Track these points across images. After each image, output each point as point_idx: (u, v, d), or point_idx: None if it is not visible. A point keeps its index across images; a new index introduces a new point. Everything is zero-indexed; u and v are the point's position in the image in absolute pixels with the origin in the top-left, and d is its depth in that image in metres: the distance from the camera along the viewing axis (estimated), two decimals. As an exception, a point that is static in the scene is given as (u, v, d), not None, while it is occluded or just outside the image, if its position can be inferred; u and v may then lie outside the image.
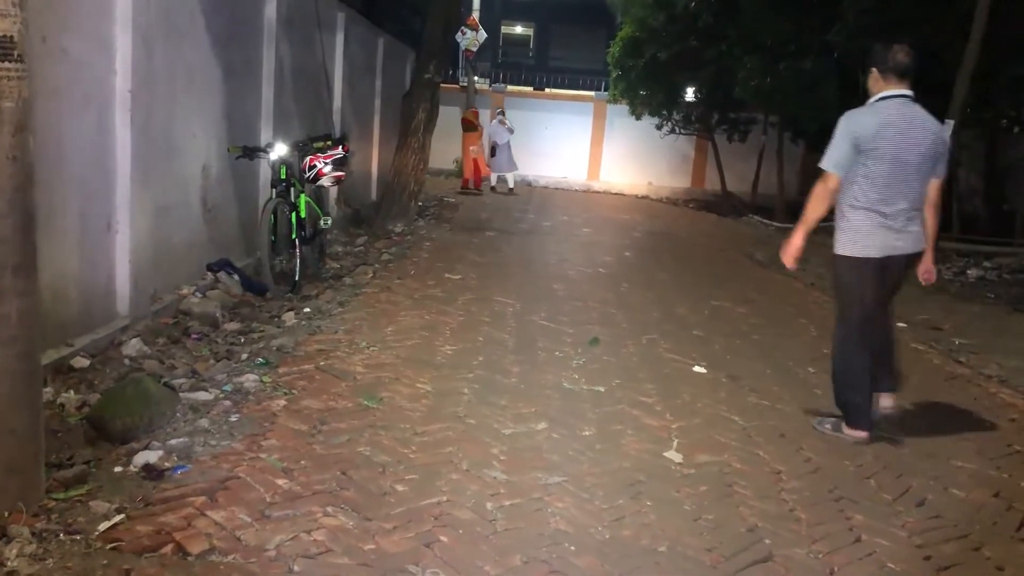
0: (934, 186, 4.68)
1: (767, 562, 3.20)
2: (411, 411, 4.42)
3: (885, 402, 4.82)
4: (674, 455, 4.19)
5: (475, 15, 21.14)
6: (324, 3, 9.42)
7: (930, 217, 4.69)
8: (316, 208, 7.59)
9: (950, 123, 11.44)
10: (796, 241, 4.89)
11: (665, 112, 19.43)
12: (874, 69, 4.65)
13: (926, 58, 12.95)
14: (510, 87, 24.35)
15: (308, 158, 7.22)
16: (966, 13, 11.44)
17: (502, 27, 34.22)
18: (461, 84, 21.64)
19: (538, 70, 30.40)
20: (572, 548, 3.18)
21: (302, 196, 7.12)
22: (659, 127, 19.76)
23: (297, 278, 6.97)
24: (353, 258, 8.81)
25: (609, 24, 20.77)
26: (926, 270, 4.78)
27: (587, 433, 4.38)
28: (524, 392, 4.92)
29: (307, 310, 6.35)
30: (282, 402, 4.35)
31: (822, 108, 14.95)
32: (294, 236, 6.95)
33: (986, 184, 16.56)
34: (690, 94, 19.45)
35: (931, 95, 12.86)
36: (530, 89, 25.30)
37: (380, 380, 4.85)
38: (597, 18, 25.31)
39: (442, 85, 12.60)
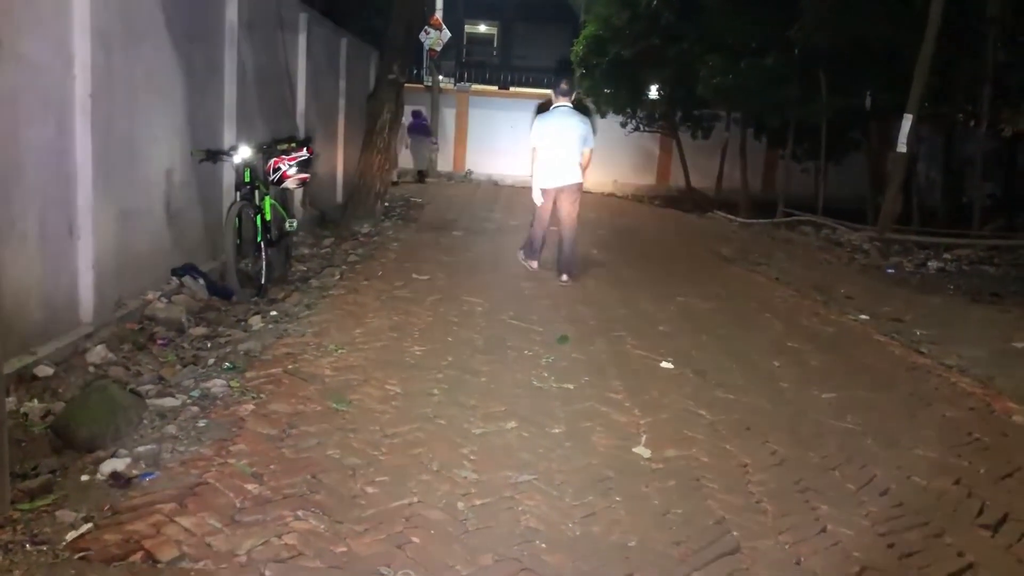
0: (584, 154, 8.45)
1: (735, 554, 3.25)
2: (380, 413, 4.42)
3: (563, 278, 8.48)
4: (643, 450, 4.23)
5: (439, 14, 21.14)
6: (286, 4, 9.37)
7: (583, 168, 8.50)
8: (281, 210, 7.54)
9: (909, 118, 11.69)
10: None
11: (629, 110, 19.54)
12: (552, 91, 8.69)
13: (885, 55, 13.24)
14: (475, 86, 24.35)
15: (272, 160, 7.17)
16: (922, 10, 11.64)
17: (466, 26, 34.14)
18: (426, 84, 21.60)
19: (503, 69, 30.37)
20: (543, 545, 3.20)
21: (267, 199, 7.07)
22: (624, 125, 19.88)
23: (263, 281, 6.93)
24: (320, 260, 8.77)
25: (573, 22, 20.84)
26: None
27: (557, 431, 4.41)
28: (494, 391, 4.94)
29: (274, 313, 6.32)
30: (250, 406, 4.33)
31: (784, 104, 15.17)
32: (259, 239, 6.91)
33: (944, 177, 16.85)
34: (654, 92, 19.57)
35: (891, 91, 13.20)
36: (495, 88, 25.32)
37: (349, 382, 4.85)
38: (561, 17, 25.39)
39: (407, 85, 12.59)
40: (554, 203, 8.55)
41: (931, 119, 15.57)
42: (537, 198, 8.55)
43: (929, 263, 11.69)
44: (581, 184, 8.55)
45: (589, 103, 18.92)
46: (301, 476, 3.59)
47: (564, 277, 8.50)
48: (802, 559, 3.25)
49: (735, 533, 3.41)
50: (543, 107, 8.89)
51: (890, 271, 11.09)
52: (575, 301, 7.70)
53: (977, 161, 14.76)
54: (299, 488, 3.48)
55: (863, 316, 7.93)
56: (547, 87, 24.00)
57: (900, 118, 12.26)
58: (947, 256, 12.15)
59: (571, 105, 8.58)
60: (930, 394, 5.63)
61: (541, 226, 8.71)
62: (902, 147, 12.06)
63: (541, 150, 8.42)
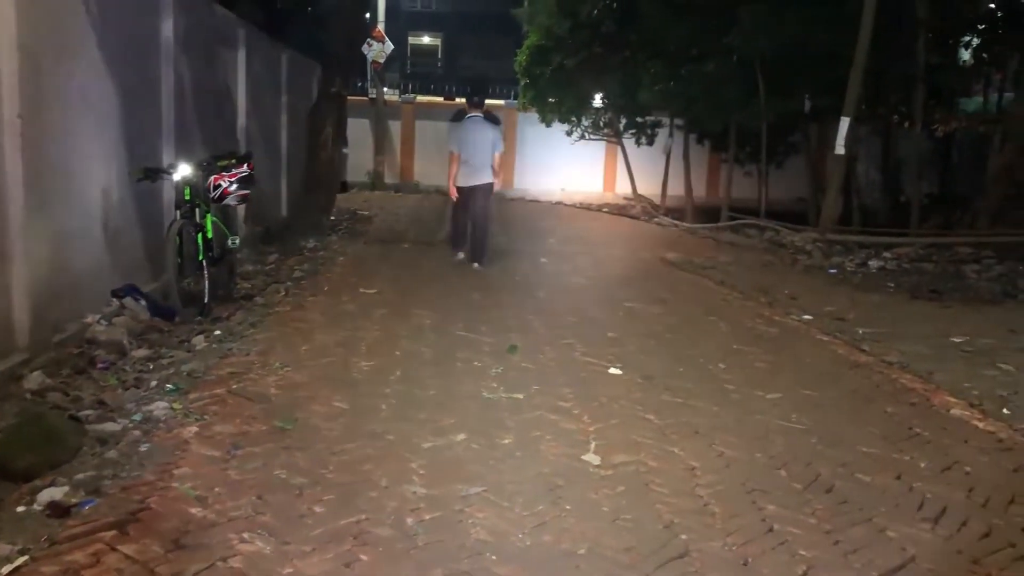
0: (495, 157, 9.56)
1: (683, 557, 3.27)
2: (327, 430, 4.38)
3: (475, 266, 9.64)
4: (592, 457, 4.25)
5: (381, 27, 21.10)
6: (223, 20, 9.26)
7: (495, 166, 9.58)
8: (223, 228, 7.43)
9: (846, 120, 11.95)
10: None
11: (574, 118, 19.66)
12: (466, 102, 9.91)
13: (822, 59, 13.49)
14: (419, 97, 24.31)
15: (212, 177, 7.07)
16: (855, 15, 11.91)
17: (409, 38, 34.18)
18: (370, 96, 21.51)
19: (447, 80, 30.42)
20: (493, 557, 3.20)
21: (208, 216, 6.97)
22: (569, 133, 20.00)
23: (207, 300, 6.82)
24: (265, 277, 8.67)
25: (516, 32, 20.93)
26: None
27: (506, 441, 4.41)
28: (443, 404, 4.93)
29: (218, 332, 6.22)
30: (194, 428, 4.25)
31: (724, 109, 15.40)
32: (201, 257, 6.80)
33: (883, 177, 17.25)
34: (598, 100, 19.73)
35: (828, 94, 13.47)
36: (440, 99, 25.30)
37: (295, 400, 4.79)
38: (504, 27, 25.49)
39: (351, 97, 12.53)
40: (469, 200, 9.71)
41: (868, 121, 15.95)
42: (453, 195, 9.83)
43: (870, 262, 11.93)
44: (492, 184, 9.72)
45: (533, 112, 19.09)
46: (247, 498, 3.54)
47: (476, 265, 9.72)
48: (749, 560, 3.29)
49: (684, 536, 3.44)
50: (457, 116, 10.26)
51: (832, 271, 11.30)
52: (525, 311, 7.72)
53: (913, 161, 15.13)
54: (245, 510, 3.42)
55: (806, 316, 8.07)
56: (492, 97, 24.22)
57: (838, 120, 12.53)
58: (887, 255, 12.42)
59: (482, 115, 9.76)
60: (872, 391, 5.74)
61: (458, 222, 10.03)
62: (840, 149, 12.32)
63: (459, 153, 9.59)
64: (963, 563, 3.38)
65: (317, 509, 3.49)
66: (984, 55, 15.86)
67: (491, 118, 9.95)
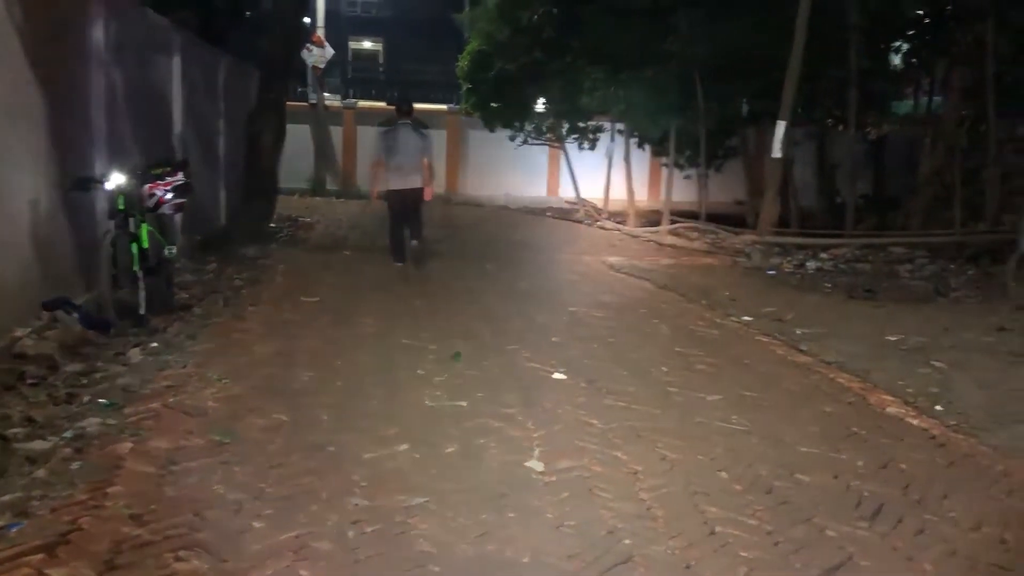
0: (424, 162, 9.78)
1: (627, 563, 3.28)
2: (267, 443, 4.30)
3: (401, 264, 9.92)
4: (536, 464, 4.25)
5: (320, 32, 20.89)
6: (157, 26, 9.07)
7: (425, 171, 9.78)
8: (159, 237, 7.26)
9: (782, 124, 12.16)
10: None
11: (517, 123, 19.69)
12: (395, 107, 10.25)
13: (758, 65, 13.71)
14: (361, 102, 24.11)
15: (147, 186, 6.92)
16: (791, 21, 12.14)
17: (350, 43, 33.90)
18: (310, 102, 21.27)
19: (389, 85, 30.26)
20: (436, 569, 3.17)
21: (143, 225, 6.80)
22: (512, 138, 20.01)
23: (143, 312, 6.65)
24: (203, 286, 8.48)
25: (458, 37, 20.89)
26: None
27: (450, 450, 4.38)
28: (385, 414, 4.88)
29: (155, 345, 6.08)
30: (129, 444, 4.14)
31: (664, 114, 15.57)
32: (136, 268, 6.64)
33: (819, 180, 17.60)
34: (540, 105, 19.78)
35: (765, 99, 13.71)
36: (382, 104, 25.13)
37: (234, 413, 4.70)
38: (446, 32, 25.46)
39: (291, 103, 12.38)
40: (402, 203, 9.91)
41: (804, 124, 16.28)
42: (375, 196, 10.30)
43: (807, 263, 12.17)
44: (423, 188, 9.87)
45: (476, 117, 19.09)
46: (183, 515, 3.45)
47: (415, 242, 10.11)
48: (692, 563, 3.31)
49: (627, 541, 3.45)
50: (387, 123, 10.40)
51: (771, 272, 11.50)
52: (469, 317, 7.69)
53: (847, 163, 15.47)
54: (181, 527, 3.35)
55: (746, 318, 8.18)
56: (435, 102, 24.16)
57: (775, 125, 12.75)
58: (824, 256, 12.68)
59: (411, 122, 9.95)
60: (811, 391, 5.85)
61: (395, 231, 10.10)
62: (777, 153, 12.54)
63: (387, 159, 9.79)
64: (899, 560, 3.45)
65: (256, 524, 3.42)
66: (914, 60, 16.31)
67: (420, 125, 10.16)
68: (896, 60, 17.12)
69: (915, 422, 5.25)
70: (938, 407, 5.56)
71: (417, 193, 9.85)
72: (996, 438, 5.01)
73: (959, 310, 9.15)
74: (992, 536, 3.70)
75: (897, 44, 16.40)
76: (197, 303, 7.59)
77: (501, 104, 19.06)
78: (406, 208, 9.92)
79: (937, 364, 6.62)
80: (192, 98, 10.17)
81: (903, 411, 5.46)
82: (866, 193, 17.91)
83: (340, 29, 29.69)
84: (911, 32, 15.51)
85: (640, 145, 18.64)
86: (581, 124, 19.11)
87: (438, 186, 22.14)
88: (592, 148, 19.51)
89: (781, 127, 12.32)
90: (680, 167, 17.71)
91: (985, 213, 12.93)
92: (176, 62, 9.58)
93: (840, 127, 16.48)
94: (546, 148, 21.22)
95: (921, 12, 14.90)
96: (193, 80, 10.21)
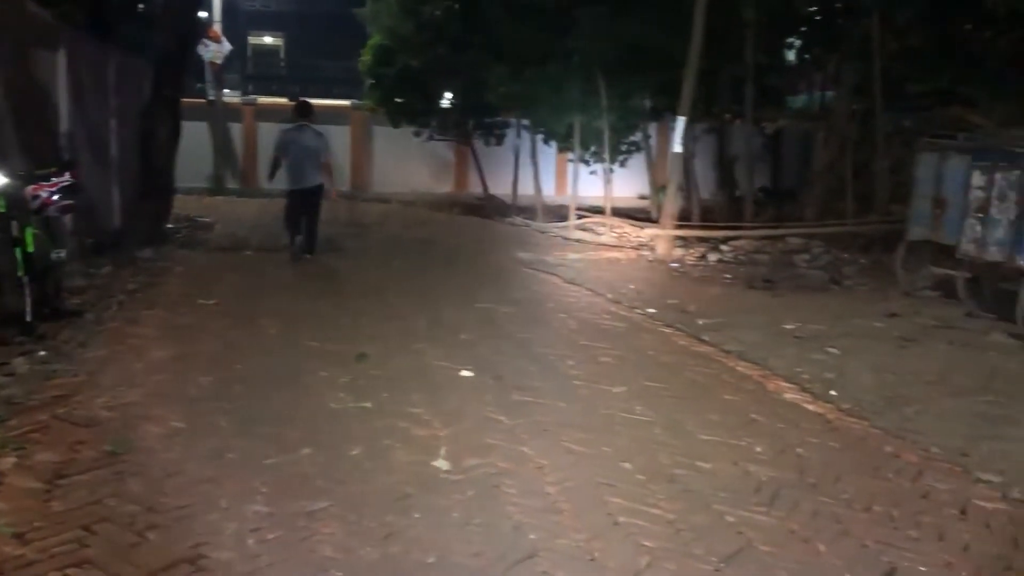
0: (324, 164, 10.39)
1: (532, 558, 3.29)
2: (163, 452, 4.16)
3: (306, 256, 10.45)
4: (442, 463, 4.22)
5: (217, 27, 20.33)
6: (37, 21, 8.66)
7: (326, 171, 10.42)
8: (47, 241, 6.94)
9: (682, 119, 12.40)
10: None
11: (422, 119, 19.58)
12: (295, 112, 10.64)
13: (659, 60, 13.96)
14: (262, 99, 23.60)
15: (31, 187, 6.60)
16: (689, 17, 12.38)
17: (250, 38, 33.09)
18: (208, 98, 20.69)
19: (291, 81, 29.68)
20: (340, 574, 3.12)
21: (28, 229, 6.48)
22: (417, 135, 19.90)
23: (29, 319, 6.34)
24: (96, 291, 8.14)
25: (361, 32, 20.57)
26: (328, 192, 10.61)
27: (354, 452, 4.32)
28: (287, 418, 4.77)
29: (42, 353, 5.80)
30: (12, 459, 3.95)
31: (568, 110, 15.71)
32: (21, 273, 6.32)
33: (719, 173, 18.04)
34: (446, 100, 19.72)
35: (666, 94, 13.96)
36: (284, 100, 24.63)
37: (128, 422, 4.53)
38: (348, 27, 25.03)
39: (188, 100, 12.01)
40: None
41: (703, 119, 16.64)
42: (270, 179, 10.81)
43: (709, 255, 12.45)
44: (321, 185, 10.46)
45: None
46: (72, 531, 3.31)
47: (307, 256, 10.53)
48: (596, 554, 3.34)
49: (532, 536, 3.46)
50: (288, 123, 10.77)
51: (674, 265, 11.72)
52: (375, 317, 7.59)
53: (745, 157, 15.90)
54: (69, 544, 3.21)
55: (650, 310, 8.32)
56: (338, 97, 23.79)
57: (675, 120, 12.98)
58: (724, 248, 12.99)
59: (309, 124, 10.46)
60: (712, 380, 5.98)
61: (292, 219, 10.53)
62: (678, 147, 12.76)
63: (284, 159, 10.30)
64: (796, 542, 3.55)
65: (151, 536, 3.30)
66: (807, 56, 16.85)
67: (316, 129, 10.63)
68: (790, 56, 17.67)
69: (811, 407, 5.43)
70: (833, 392, 5.76)
71: (315, 191, 10.41)
72: (886, 420, 5.22)
73: (852, 298, 9.50)
74: (882, 515, 3.85)
75: (791, 40, 16.91)
76: (89, 308, 7.28)
77: (405, 99, 18.93)
78: (304, 206, 10.43)
79: (832, 351, 6.86)
80: (80, 95, 9.75)
81: (800, 397, 5.64)
82: (764, 186, 18.46)
83: (239, 24, 28.94)
84: (803, 28, 16.01)
85: (547, 141, 18.75)
86: (487, 120, 19.14)
87: (343, 183, 22.05)
88: (499, 144, 19.57)
89: (681, 122, 12.54)
90: (586, 162, 17.89)
91: (875, 204, 13.47)
92: (61, 57, 9.16)
93: (738, 122, 16.91)
94: (453, 144, 21.18)
95: (813, 9, 15.39)
96: (80, 77, 9.78)
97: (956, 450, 4.74)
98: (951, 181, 8.85)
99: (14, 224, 6.31)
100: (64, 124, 9.20)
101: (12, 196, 6.37)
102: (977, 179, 8.42)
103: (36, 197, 6.58)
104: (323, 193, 10.53)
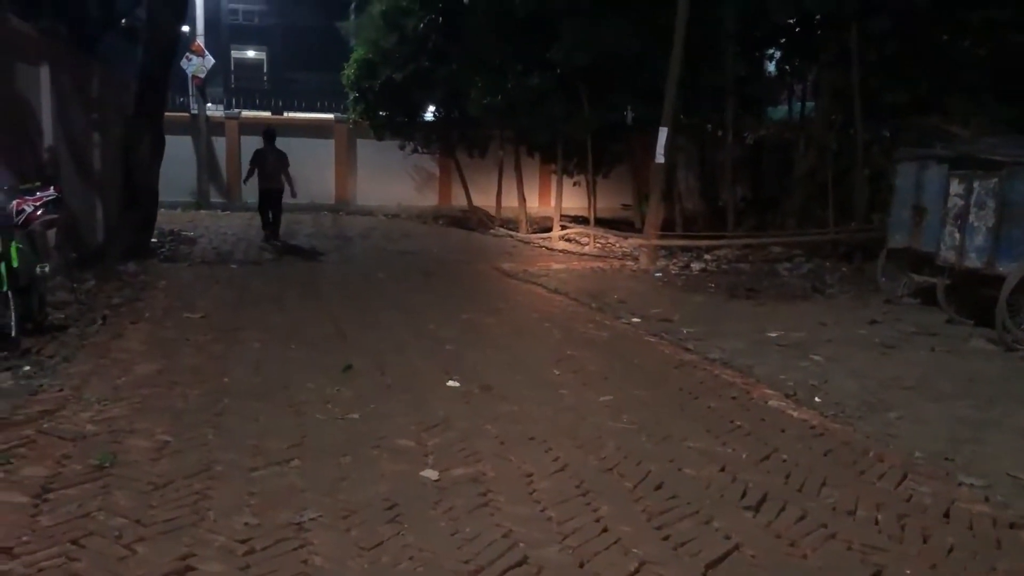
0: (285, 173, 13.44)
1: (522, 565, 3.31)
2: (150, 465, 4.15)
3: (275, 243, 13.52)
4: (430, 473, 4.23)
5: (200, 41, 20.31)
6: (20, 34, 8.65)
7: (284, 179, 13.49)
8: (30, 255, 6.92)
9: (664, 130, 12.49)
10: None
11: (406, 132, 19.60)
12: (263, 137, 13.95)
13: (641, 72, 14.03)
14: (245, 113, 23.55)
15: (15, 202, 6.59)
16: (670, 29, 12.49)
17: (232, 52, 33.07)
18: (192, 112, 20.65)
19: (275, 94, 29.61)
20: (330, 584, 3.12)
21: (12, 243, 6.46)
22: (402, 147, 19.91)
23: (13, 334, 6.31)
24: (80, 305, 8.10)
25: (343, 46, 20.58)
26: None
27: (343, 463, 4.32)
28: (274, 430, 4.77)
29: (27, 368, 5.78)
30: (-2, 474, 3.93)
31: (550, 122, 15.77)
32: (5, 288, 6.29)
33: (701, 183, 18.15)
34: (429, 113, 19.75)
35: (648, 105, 14.06)
36: (267, 114, 24.59)
37: (114, 436, 4.52)
38: (330, 40, 25.07)
39: (171, 114, 12.00)
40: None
41: (685, 130, 16.74)
42: (245, 181, 14.09)
43: (692, 265, 12.54)
44: (282, 188, 13.54)
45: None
46: (60, 545, 3.29)
47: (278, 243, 13.62)
48: (585, 562, 3.36)
49: (522, 544, 3.48)
50: (261, 143, 13.82)
51: (658, 275, 11.79)
52: (361, 329, 7.60)
53: (727, 167, 16.01)
54: (57, 559, 3.19)
55: (635, 319, 8.37)
56: (321, 111, 23.79)
57: (658, 131, 13.08)
58: (708, 257, 13.09)
59: (274, 144, 13.66)
60: (697, 388, 6.02)
61: (264, 214, 13.94)
62: (660, 158, 12.86)
63: (258, 171, 13.43)
64: (782, 546, 3.59)
65: (139, 549, 3.30)
66: (786, 66, 17.01)
67: (279, 149, 13.73)
68: (771, 67, 17.82)
69: (795, 414, 5.47)
70: (817, 399, 5.82)
71: (278, 191, 13.65)
72: (870, 425, 5.28)
73: (835, 305, 9.59)
74: (866, 519, 3.89)
75: (771, 51, 17.07)
76: (73, 323, 7.26)
77: (389, 113, 18.95)
78: (270, 202, 13.81)
79: (815, 358, 6.93)
80: (63, 109, 9.73)
81: (784, 404, 5.69)
82: (746, 195, 18.57)
83: (221, 38, 28.97)
84: (783, 40, 16.16)
85: (530, 152, 18.83)
86: (470, 132, 19.18)
87: (328, 197, 22.05)
88: (482, 156, 19.59)
89: (663, 133, 12.64)
90: (569, 174, 17.97)
91: (855, 212, 13.59)
92: (44, 71, 9.15)
93: (719, 132, 17.03)
94: (437, 156, 21.20)
95: (792, 20, 15.54)
96: (64, 90, 9.77)
97: (939, 454, 4.80)
98: (930, 189, 8.96)
99: (-2, 239, 6.29)
100: (48, 138, 9.18)
101: (-5, 211, 6.35)
102: (956, 187, 8.53)
103: (20, 212, 6.57)
104: (282, 194, 13.63)
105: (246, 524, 3.56)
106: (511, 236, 16.98)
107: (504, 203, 19.41)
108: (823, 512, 3.92)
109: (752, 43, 15.79)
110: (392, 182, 21.50)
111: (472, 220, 19.50)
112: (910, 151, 9.73)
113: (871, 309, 9.10)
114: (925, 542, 3.68)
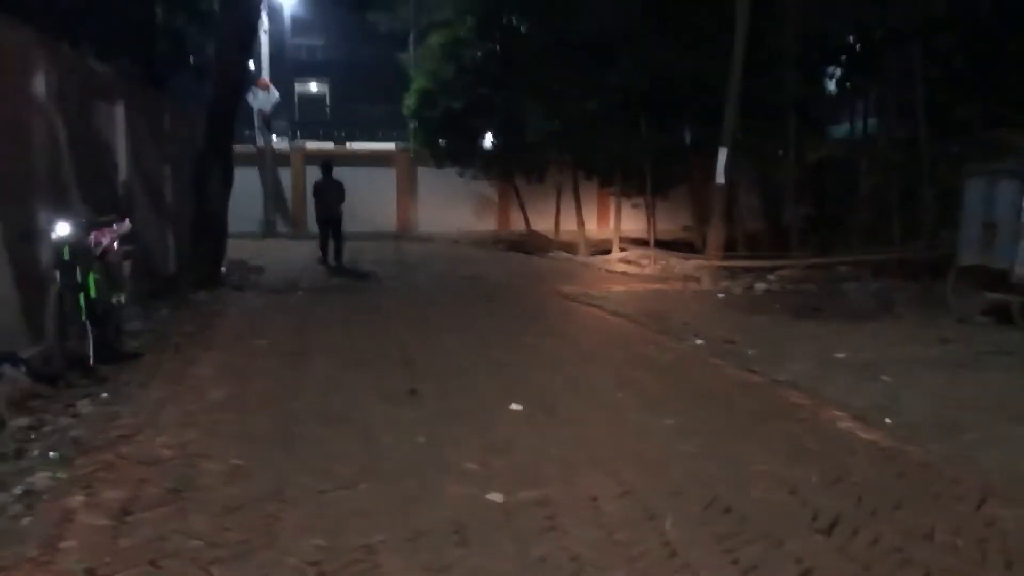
0: (342, 200, 15.24)
1: (590, 588, 3.30)
2: (224, 488, 4.25)
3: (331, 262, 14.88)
4: (496, 496, 4.25)
5: (265, 76, 20.90)
6: (99, 75, 9.02)
7: (339, 207, 15.11)
8: (107, 285, 7.18)
9: (724, 150, 12.42)
10: None
11: (466, 159, 19.85)
12: (321, 169, 15.50)
13: (699, 93, 14.02)
14: (309, 144, 24.10)
15: (93, 234, 6.85)
16: (729, 50, 12.46)
17: (296, 85, 33.87)
18: (257, 145, 21.22)
19: (337, 126, 30.25)
20: (400, 605, 3.16)
21: (90, 275, 6.72)
22: (461, 174, 20.15)
23: (92, 362, 6.55)
24: (153, 333, 8.37)
25: (403, 76, 20.99)
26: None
27: (410, 486, 4.37)
28: (343, 454, 4.85)
29: (105, 395, 5.98)
30: (80, 497, 4.06)
31: (609, 145, 15.82)
32: (84, 318, 6.55)
33: (762, 203, 17.98)
34: (488, 140, 19.98)
35: (708, 126, 14.02)
36: (331, 145, 25.14)
37: (188, 460, 4.64)
38: (390, 71, 25.57)
39: (238, 147, 12.36)
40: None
41: (745, 150, 16.63)
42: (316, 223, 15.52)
43: (755, 285, 12.39)
44: (341, 217, 14.85)
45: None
46: (140, 567, 3.39)
47: (337, 264, 14.81)
48: (654, 585, 3.35)
49: (589, 568, 3.47)
50: (320, 175, 15.38)
51: (720, 296, 11.68)
52: (423, 353, 7.69)
53: (789, 186, 15.84)
54: (138, 579, 3.29)
55: (698, 341, 8.30)
56: (382, 140, 24.23)
57: (717, 151, 13.02)
58: (771, 277, 12.92)
59: (331, 175, 15.11)
60: (763, 410, 5.94)
61: (324, 241, 15.04)
62: (721, 178, 12.80)
63: (317, 200, 15.11)
64: (856, 570, 3.51)
65: (215, 571, 3.38)
66: (847, 85, 16.81)
67: (337, 179, 15.18)
68: (831, 86, 17.63)
69: (865, 436, 5.36)
70: (887, 420, 5.69)
71: (338, 218, 14.90)
72: (944, 447, 5.14)
73: (903, 325, 9.38)
74: (945, 543, 3.78)
75: (831, 70, 16.89)
76: (147, 351, 7.49)
77: (449, 141, 19.23)
78: (333, 228, 14.91)
79: (885, 378, 6.78)
80: (137, 144, 10.10)
81: (853, 425, 5.58)
82: (809, 215, 18.32)
83: (285, 72, 29.69)
84: (843, 58, 15.99)
85: (588, 176, 18.89)
86: (528, 157, 19.33)
87: (390, 225, 22.37)
88: (540, 181, 19.72)
89: (723, 153, 12.59)
90: (627, 196, 17.97)
91: (922, 230, 13.31)
92: (119, 109, 9.51)
93: (781, 152, 16.87)
94: (496, 183, 21.40)
95: (852, 39, 15.38)
96: (138, 126, 10.14)
97: (1018, 476, 4.65)
98: (1002, 205, 8.75)
99: (78, 270, 6.54)
100: (123, 173, 9.52)
101: (76, 244, 6.61)
102: (1029, 202, 8.31)
103: (98, 244, 6.82)
104: (341, 222, 14.88)
105: (316, 546, 3.62)
106: (571, 259, 17.00)
107: (562, 227, 19.50)
108: (898, 536, 3.83)
109: (812, 62, 15.64)
110: (452, 208, 21.77)
111: (531, 244, 19.60)
112: (980, 166, 9.51)
113: (942, 328, 8.88)
114: (1009, 568, 3.57)
